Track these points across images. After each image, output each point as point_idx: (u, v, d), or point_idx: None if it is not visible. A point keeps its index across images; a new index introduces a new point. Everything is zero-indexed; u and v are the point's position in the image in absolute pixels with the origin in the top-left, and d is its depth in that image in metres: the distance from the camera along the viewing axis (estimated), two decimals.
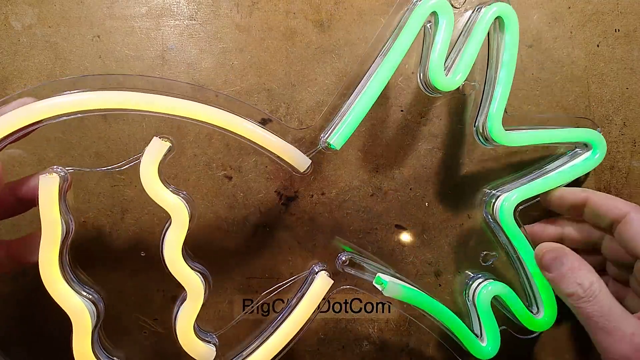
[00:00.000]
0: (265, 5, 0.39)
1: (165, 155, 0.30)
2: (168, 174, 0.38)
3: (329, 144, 0.34)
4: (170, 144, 0.31)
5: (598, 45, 0.38)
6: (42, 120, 0.29)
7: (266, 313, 0.39)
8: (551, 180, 0.36)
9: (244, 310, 0.36)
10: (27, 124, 0.29)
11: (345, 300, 0.39)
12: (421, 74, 0.34)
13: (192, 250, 0.39)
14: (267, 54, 0.38)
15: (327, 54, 0.39)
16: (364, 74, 0.34)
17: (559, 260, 0.30)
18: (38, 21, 0.38)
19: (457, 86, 0.32)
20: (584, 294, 0.29)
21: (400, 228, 0.39)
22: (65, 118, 0.29)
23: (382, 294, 0.35)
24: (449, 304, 0.39)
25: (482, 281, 0.36)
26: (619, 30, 0.38)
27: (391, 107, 0.39)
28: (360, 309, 0.40)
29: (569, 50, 0.38)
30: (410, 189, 0.39)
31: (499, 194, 0.36)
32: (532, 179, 0.36)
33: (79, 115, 0.29)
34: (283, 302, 0.39)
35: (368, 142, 0.39)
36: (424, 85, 0.34)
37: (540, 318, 0.36)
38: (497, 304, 0.37)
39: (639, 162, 0.39)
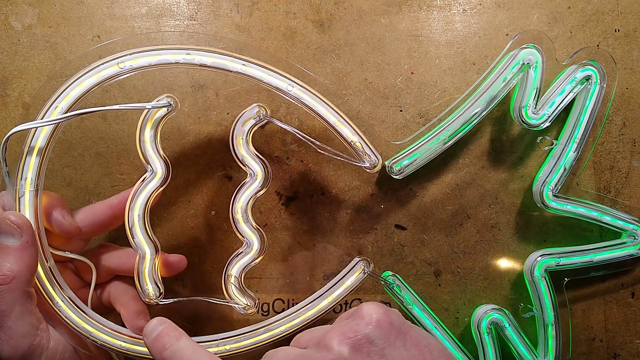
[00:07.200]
0: (265, 5, 0.39)
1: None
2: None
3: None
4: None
5: (598, 45, 0.38)
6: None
7: (266, 313, 0.39)
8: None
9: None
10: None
11: (346, 300, 0.39)
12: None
13: (192, 249, 0.39)
14: (267, 54, 0.38)
15: (327, 54, 0.39)
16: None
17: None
18: (38, 21, 0.38)
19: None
20: None
21: (400, 228, 0.39)
22: None
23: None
24: (448, 304, 0.39)
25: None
26: (619, 30, 0.38)
27: (390, 107, 0.39)
28: None
29: (569, 50, 0.38)
30: (410, 189, 0.39)
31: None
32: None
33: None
34: (283, 302, 0.39)
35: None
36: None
37: None
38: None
39: (639, 162, 0.39)
